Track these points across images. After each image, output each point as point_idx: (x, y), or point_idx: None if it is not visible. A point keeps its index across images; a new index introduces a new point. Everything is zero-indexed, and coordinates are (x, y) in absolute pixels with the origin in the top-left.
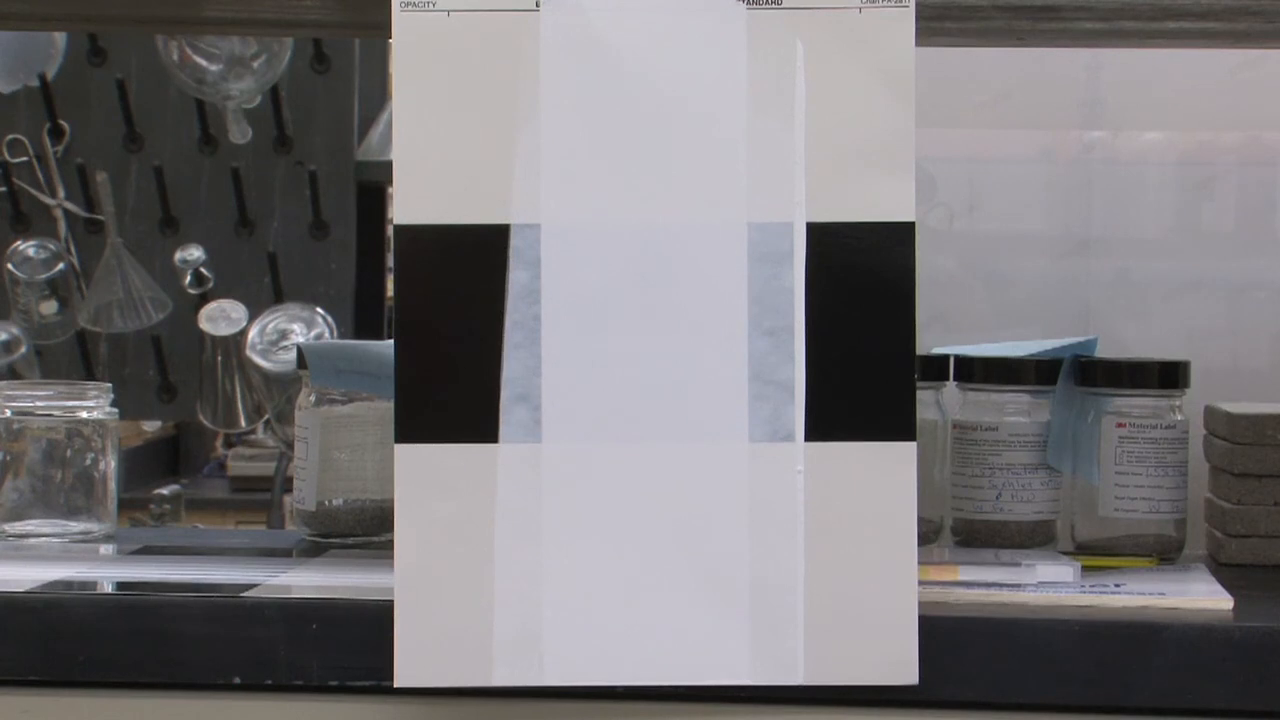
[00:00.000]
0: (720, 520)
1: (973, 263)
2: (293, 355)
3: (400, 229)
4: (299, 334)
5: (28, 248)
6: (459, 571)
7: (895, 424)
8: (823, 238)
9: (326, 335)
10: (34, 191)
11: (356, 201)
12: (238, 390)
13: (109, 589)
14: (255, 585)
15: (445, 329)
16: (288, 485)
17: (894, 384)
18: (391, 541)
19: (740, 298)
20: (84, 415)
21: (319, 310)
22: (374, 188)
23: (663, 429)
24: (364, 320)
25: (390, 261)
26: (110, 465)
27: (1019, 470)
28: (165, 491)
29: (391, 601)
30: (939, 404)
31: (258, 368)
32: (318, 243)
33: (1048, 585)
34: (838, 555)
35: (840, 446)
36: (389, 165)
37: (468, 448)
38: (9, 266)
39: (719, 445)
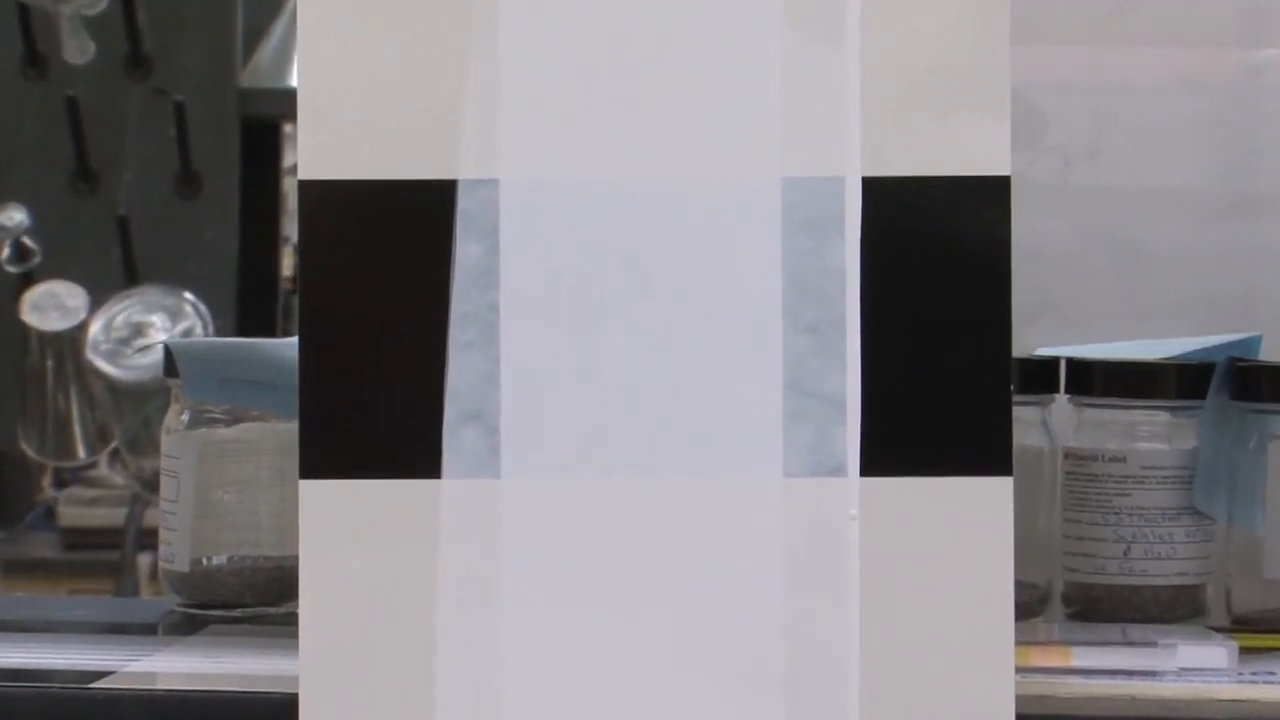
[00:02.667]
0: (746, 582)
1: (1094, 230)
2: (153, 358)
3: (306, 185)
4: (161, 329)
5: None
6: (387, 651)
7: (984, 453)
8: (884, 198)
9: (200, 331)
10: None
11: (241, 145)
12: (74, 407)
13: None
14: (109, 673)
15: (367, 323)
16: (145, 539)
17: (982, 398)
18: (294, 614)
19: (771, 280)
20: None
21: (189, 296)
22: (264, 125)
23: (665, 459)
24: (252, 310)
25: (289, 230)
26: None
27: (1154, 516)
28: None
29: (295, 694)
30: (1046, 425)
31: (103, 376)
32: (187, 202)
33: (1193, 673)
34: (905, 631)
35: (908, 483)
36: (286, 95)
37: (399, 484)
38: None
39: (743, 481)
